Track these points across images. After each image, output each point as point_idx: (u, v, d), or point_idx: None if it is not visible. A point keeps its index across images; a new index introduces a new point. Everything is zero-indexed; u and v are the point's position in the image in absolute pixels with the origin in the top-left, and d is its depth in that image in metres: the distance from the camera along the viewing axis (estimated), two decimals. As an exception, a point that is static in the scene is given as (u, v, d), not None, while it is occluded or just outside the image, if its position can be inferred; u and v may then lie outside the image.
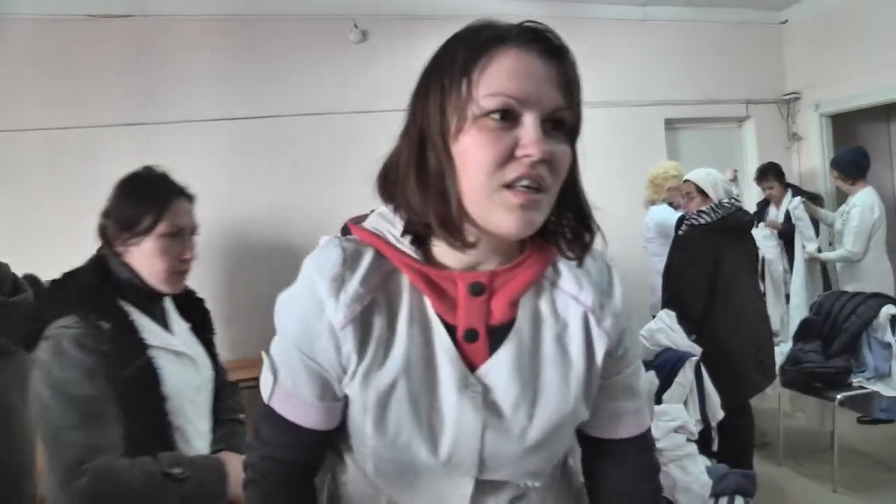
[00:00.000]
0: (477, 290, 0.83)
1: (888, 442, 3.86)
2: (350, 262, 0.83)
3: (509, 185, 0.75)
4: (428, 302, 0.84)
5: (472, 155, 0.76)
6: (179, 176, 4.65)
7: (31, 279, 1.82)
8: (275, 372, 0.89)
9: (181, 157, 4.50)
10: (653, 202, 4.47)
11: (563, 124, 0.79)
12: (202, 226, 4.30)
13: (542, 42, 0.78)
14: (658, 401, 2.99)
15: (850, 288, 4.23)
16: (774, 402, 4.04)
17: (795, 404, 4.12)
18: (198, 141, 4.58)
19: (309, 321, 0.84)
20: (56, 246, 4.30)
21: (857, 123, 6.10)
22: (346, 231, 0.91)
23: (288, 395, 0.88)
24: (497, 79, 0.75)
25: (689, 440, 2.70)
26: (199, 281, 4.45)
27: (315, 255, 0.86)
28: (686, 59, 5.73)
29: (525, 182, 0.75)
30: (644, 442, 0.99)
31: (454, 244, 0.80)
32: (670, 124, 5.74)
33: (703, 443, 2.95)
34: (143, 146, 4.48)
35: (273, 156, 4.75)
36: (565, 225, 0.86)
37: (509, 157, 0.75)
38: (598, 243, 0.89)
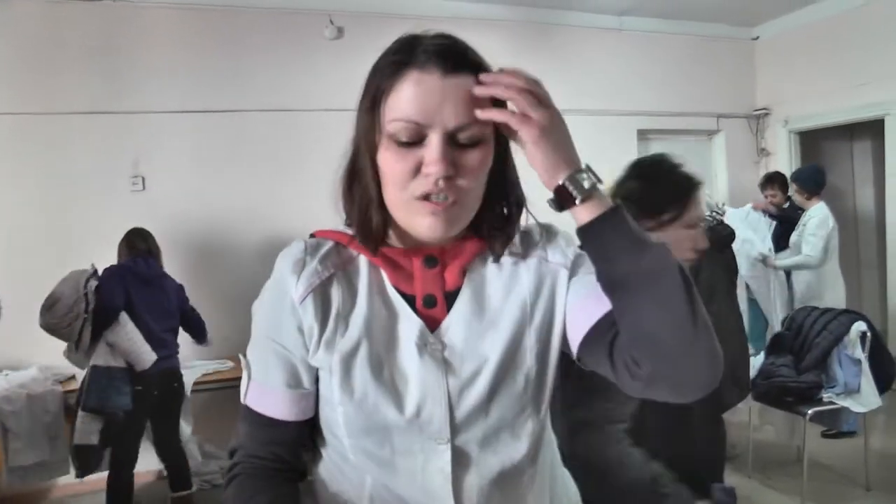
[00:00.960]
0: (431, 262, 0.92)
1: (855, 456, 3.90)
2: (311, 249, 0.92)
3: (420, 198, 0.82)
4: (385, 276, 0.92)
5: (386, 170, 0.84)
6: (145, 166, 4.54)
7: None
8: (249, 371, 0.94)
9: (147, 148, 4.40)
10: None
11: (475, 139, 0.83)
12: (166, 218, 4.20)
13: (442, 60, 0.81)
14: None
15: (814, 302, 4.31)
16: (744, 415, 4.06)
17: (764, 417, 4.15)
18: (165, 132, 4.45)
19: (275, 306, 0.91)
20: (20, 235, 4.14)
21: (822, 141, 6.21)
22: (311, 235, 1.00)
23: (261, 390, 0.92)
24: (398, 104, 0.81)
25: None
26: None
27: (282, 253, 0.94)
28: (660, 71, 5.77)
29: (433, 196, 0.81)
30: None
31: (369, 247, 0.90)
32: (642, 135, 5.76)
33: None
34: (109, 134, 4.34)
35: (243, 150, 4.63)
36: (492, 218, 0.92)
37: (416, 172, 0.82)
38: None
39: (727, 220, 4.37)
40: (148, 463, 3.82)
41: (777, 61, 5.90)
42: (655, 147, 5.89)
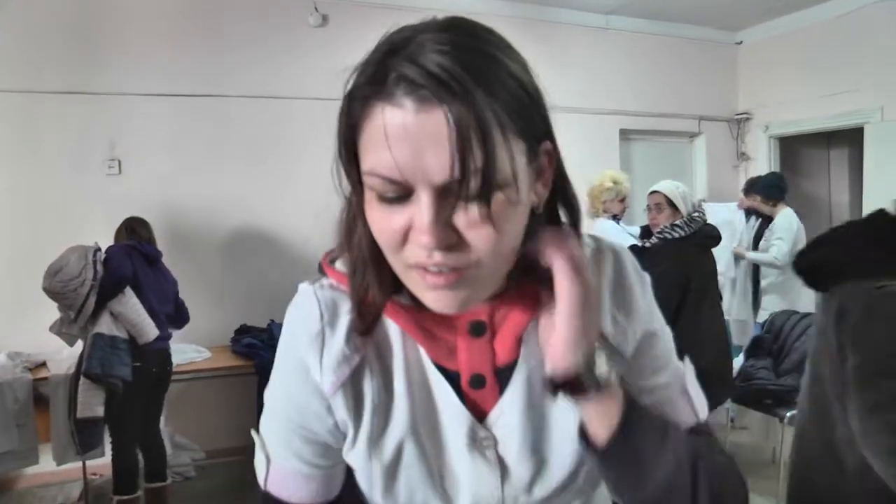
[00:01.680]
0: (477, 330, 0.72)
1: (829, 460, 3.95)
2: (329, 315, 0.72)
3: (416, 267, 0.61)
4: (422, 350, 0.73)
5: (373, 227, 0.63)
6: (121, 150, 4.43)
7: None
8: (267, 453, 0.78)
9: (123, 130, 4.28)
10: (596, 214, 4.42)
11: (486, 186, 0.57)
12: (142, 203, 4.11)
13: (416, 87, 0.56)
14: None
15: (783, 305, 4.44)
16: (720, 416, 4.09)
17: (740, 419, 4.19)
18: (142, 115, 4.33)
19: (295, 383, 0.74)
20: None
21: (800, 147, 6.29)
22: (320, 268, 0.79)
23: (285, 475, 0.78)
24: (370, 153, 0.59)
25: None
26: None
27: (292, 311, 0.76)
28: (644, 71, 5.79)
29: (431, 267, 0.60)
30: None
31: (364, 325, 0.72)
32: (625, 134, 5.78)
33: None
34: (84, 115, 4.22)
35: (222, 136, 4.53)
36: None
37: (406, 236, 0.60)
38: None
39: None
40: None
41: (759, 66, 5.96)
42: (637, 147, 5.93)
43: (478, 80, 0.56)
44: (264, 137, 4.59)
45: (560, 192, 0.70)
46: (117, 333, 3.24)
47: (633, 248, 3.51)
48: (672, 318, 3.16)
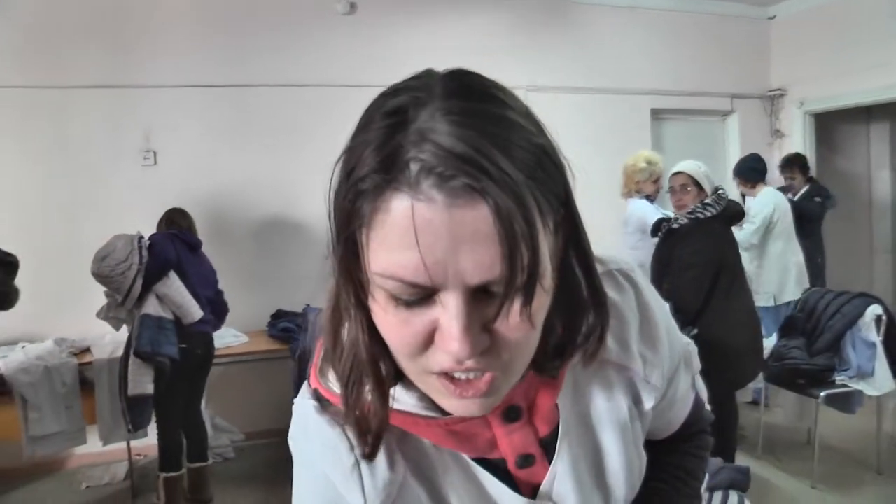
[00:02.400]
0: (513, 415, 0.67)
1: (865, 440, 3.91)
2: (358, 447, 0.64)
3: (438, 374, 0.55)
4: (463, 454, 0.68)
5: (382, 331, 0.56)
6: (156, 141, 4.55)
7: None
8: None
9: (155, 122, 4.39)
10: (629, 194, 4.42)
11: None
12: (177, 192, 4.23)
13: (451, 178, 0.48)
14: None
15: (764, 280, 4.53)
16: (747, 396, 4.07)
17: (774, 399, 4.16)
18: (176, 106, 4.43)
19: None
20: (30, 209, 4.14)
21: (838, 123, 6.16)
22: (317, 393, 0.68)
23: None
24: (386, 252, 0.50)
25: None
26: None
27: (309, 444, 0.68)
28: (674, 50, 5.71)
29: (456, 374, 0.54)
30: (692, 419, 0.91)
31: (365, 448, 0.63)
32: (656, 114, 5.72)
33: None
34: (115, 109, 4.33)
35: (254, 125, 4.61)
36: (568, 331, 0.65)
37: (428, 341, 0.53)
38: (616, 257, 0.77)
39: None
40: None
41: (793, 41, 5.83)
42: (668, 127, 5.87)
43: (513, 162, 0.49)
44: (295, 124, 4.66)
45: (574, 243, 0.61)
46: (163, 314, 3.37)
47: (666, 230, 3.51)
48: (707, 297, 3.19)
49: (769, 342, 3.85)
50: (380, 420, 0.61)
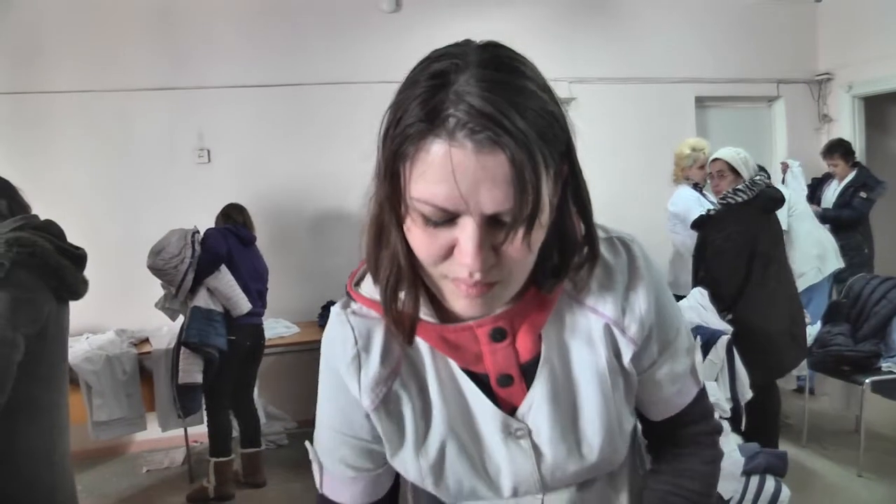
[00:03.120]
0: (499, 335, 0.80)
1: (914, 427, 3.86)
2: (363, 341, 0.82)
3: (453, 279, 0.70)
4: (451, 360, 0.83)
5: (413, 243, 0.71)
6: (210, 140, 4.72)
7: None
8: (320, 461, 0.91)
9: (209, 122, 4.56)
10: (678, 181, 4.40)
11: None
12: (231, 189, 4.38)
13: (477, 133, 0.62)
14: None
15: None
16: (792, 383, 4.04)
17: (820, 387, 4.11)
18: (227, 106, 4.60)
19: (339, 402, 0.85)
20: (92, 206, 4.36)
21: (889, 106, 6.01)
22: (348, 296, 0.88)
23: (336, 480, 0.90)
24: (424, 183, 0.65)
25: (721, 417, 2.71)
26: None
27: (329, 334, 0.86)
28: (718, 37, 5.64)
29: (467, 281, 0.69)
30: (688, 414, 0.95)
31: (402, 337, 0.79)
32: (700, 102, 5.67)
33: (733, 421, 2.96)
34: (172, 110, 4.52)
35: (303, 123, 4.76)
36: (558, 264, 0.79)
37: (448, 253, 0.68)
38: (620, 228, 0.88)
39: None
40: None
41: (840, 24, 5.71)
42: (713, 115, 5.82)
43: (527, 123, 0.63)
44: (343, 121, 4.77)
45: (573, 191, 0.75)
46: (213, 307, 3.54)
47: (699, 217, 3.52)
48: (742, 283, 3.19)
49: (812, 329, 3.81)
50: (411, 315, 0.77)
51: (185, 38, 4.53)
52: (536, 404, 0.82)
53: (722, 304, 3.21)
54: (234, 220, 3.84)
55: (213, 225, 3.80)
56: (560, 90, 5.24)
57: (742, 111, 5.93)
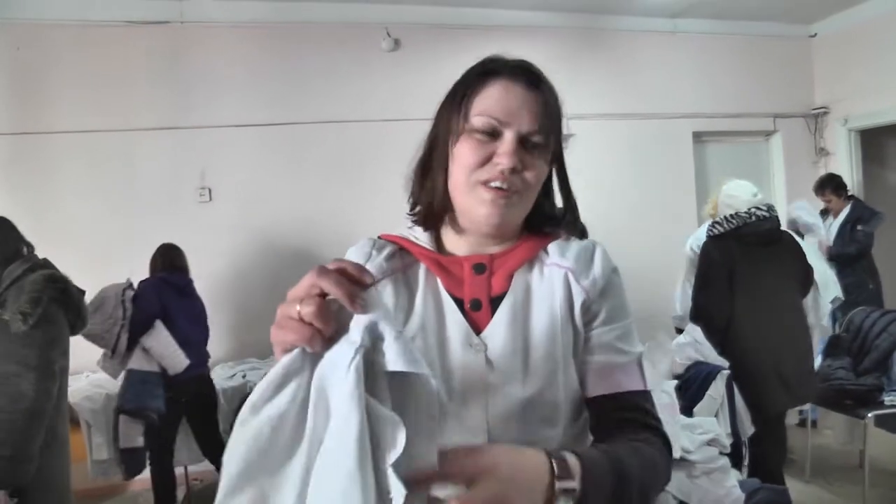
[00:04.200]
0: (479, 269, 1.01)
1: (919, 461, 3.82)
2: (378, 247, 1.06)
3: (484, 183, 0.94)
4: (440, 281, 1.02)
5: (461, 157, 0.95)
6: (211, 178, 4.75)
7: None
8: None
9: (213, 160, 4.62)
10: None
11: (539, 146, 0.96)
12: (232, 227, 4.39)
13: (526, 75, 0.96)
14: (689, 413, 2.98)
15: None
16: (794, 418, 4.01)
17: (823, 421, 4.08)
18: (230, 145, 4.66)
19: None
20: (95, 245, 4.40)
21: (886, 139, 6.06)
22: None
23: None
24: (485, 102, 0.94)
25: (721, 453, 2.69)
26: (220, 280, 4.56)
27: (353, 246, 1.08)
28: (715, 72, 5.73)
29: (496, 183, 0.93)
30: (636, 402, 0.97)
31: (433, 226, 1.05)
32: (698, 137, 5.74)
33: (735, 457, 2.94)
34: (175, 149, 4.57)
35: (301, 161, 4.81)
36: (543, 219, 1.05)
37: (486, 161, 0.93)
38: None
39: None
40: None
41: (835, 58, 5.79)
42: (711, 150, 5.87)
43: (551, 94, 0.98)
44: (343, 159, 4.84)
45: (563, 186, 1.04)
46: (149, 368, 3.45)
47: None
48: (727, 319, 3.12)
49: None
50: (439, 218, 1.03)
51: (187, 78, 4.60)
52: (496, 327, 0.98)
53: (712, 337, 3.18)
54: (172, 261, 3.73)
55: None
56: (558, 127, 5.34)
57: (739, 146, 5.99)
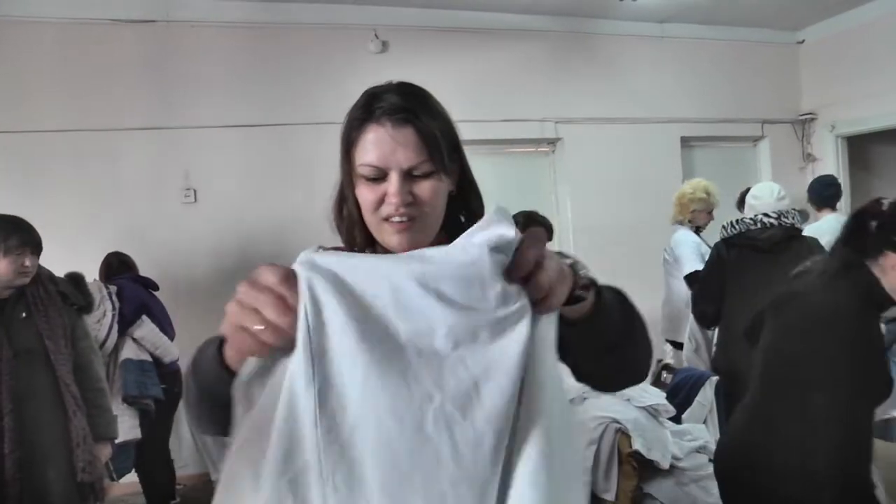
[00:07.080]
0: None
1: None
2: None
3: (386, 219, 1.01)
4: None
5: (361, 200, 1.03)
6: (196, 179, 4.70)
7: None
8: None
9: (198, 161, 4.57)
10: (679, 222, 4.33)
11: (428, 171, 1.00)
12: (217, 229, 4.34)
13: (390, 116, 0.99)
14: (679, 420, 2.97)
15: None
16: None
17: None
18: (215, 145, 4.61)
19: None
20: (77, 243, 4.32)
21: (872, 145, 6.10)
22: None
23: None
24: (363, 153, 1.00)
25: (710, 460, 2.68)
26: (205, 281, 4.51)
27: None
28: (703, 78, 5.75)
29: (396, 218, 0.99)
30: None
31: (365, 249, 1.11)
32: (686, 142, 5.75)
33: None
34: (159, 150, 4.52)
35: (290, 163, 4.76)
36: (457, 226, 1.08)
37: (382, 201, 1.00)
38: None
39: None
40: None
41: (823, 64, 5.83)
42: (699, 154, 5.89)
43: (430, 115, 1.01)
44: (329, 161, 4.72)
45: (469, 188, 1.11)
46: (143, 357, 3.45)
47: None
48: (717, 297, 3.18)
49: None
50: (362, 247, 1.09)
51: (172, 78, 4.55)
52: None
53: (703, 321, 3.22)
54: (129, 266, 3.77)
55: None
56: (546, 130, 5.35)
57: (727, 151, 6.01)
